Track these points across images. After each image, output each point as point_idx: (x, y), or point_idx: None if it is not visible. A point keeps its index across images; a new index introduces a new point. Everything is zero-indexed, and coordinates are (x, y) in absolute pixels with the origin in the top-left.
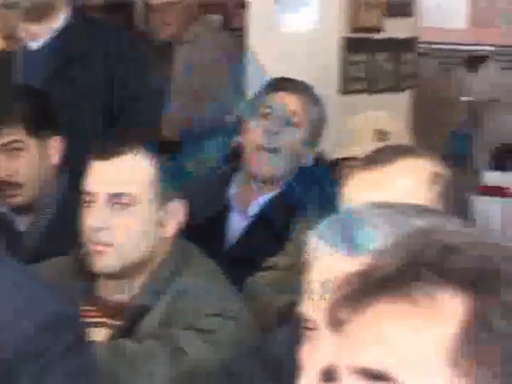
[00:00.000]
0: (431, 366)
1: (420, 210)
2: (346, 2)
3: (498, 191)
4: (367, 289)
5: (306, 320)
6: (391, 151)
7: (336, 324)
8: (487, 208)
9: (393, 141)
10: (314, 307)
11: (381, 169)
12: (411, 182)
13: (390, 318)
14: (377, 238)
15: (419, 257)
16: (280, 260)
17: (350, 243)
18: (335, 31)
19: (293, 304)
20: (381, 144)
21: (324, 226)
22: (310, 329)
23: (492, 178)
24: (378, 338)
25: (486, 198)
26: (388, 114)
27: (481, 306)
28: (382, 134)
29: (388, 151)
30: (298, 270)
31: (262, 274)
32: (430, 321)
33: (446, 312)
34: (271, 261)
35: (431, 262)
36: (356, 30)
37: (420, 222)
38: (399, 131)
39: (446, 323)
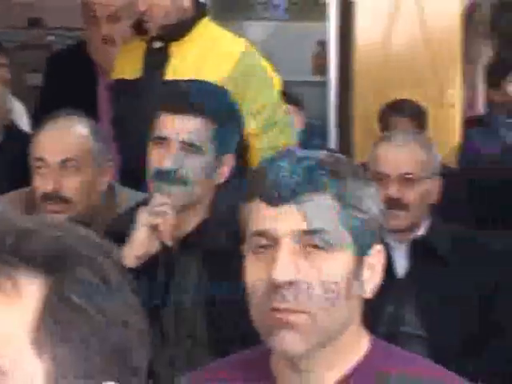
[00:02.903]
0: (16, 348)
1: None
2: None
3: None
4: None
5: None
6: None
7: None
8: None
9: None
10: None
11: None
12: None
13: None
14: None
15: None
16: None
17: None
18: None
19: None
20: None
21: None
22: None
23: None
24: None
25: None
26: None
27: (60, 285)
28: None
29: None
30: None
31: None
32: (13, 304)
33: (27, 294)
34: None
35: (10, 245)
36: None
37: None
38: None
39: (28, 305)
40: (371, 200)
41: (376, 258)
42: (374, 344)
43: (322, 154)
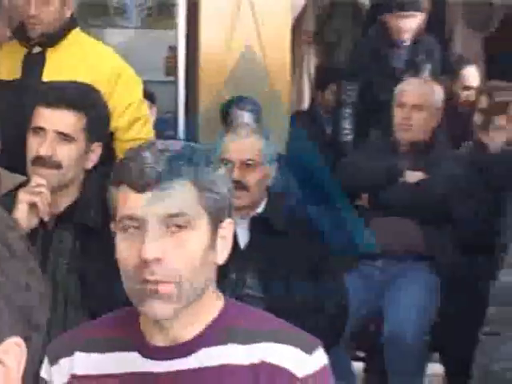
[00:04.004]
0: None
1: None
2: None
3: None
4: None
5: None
6: None
7: None
8: None
9: None
10: None
11: None
12: None
13: None
14: None
15: None
16: None
17: None
18: None
19: None
20: None
21: None
22: None
23: None
24: None
25: None
26: None
27: None
28: None
29: None
30: None
31: None
32: None
33: None
34: None
35: None
36: None
37: None
38: None
39: None
40: (222, 182)
41: (227, 229)
42: (227, 304)
43: (179, 144)
